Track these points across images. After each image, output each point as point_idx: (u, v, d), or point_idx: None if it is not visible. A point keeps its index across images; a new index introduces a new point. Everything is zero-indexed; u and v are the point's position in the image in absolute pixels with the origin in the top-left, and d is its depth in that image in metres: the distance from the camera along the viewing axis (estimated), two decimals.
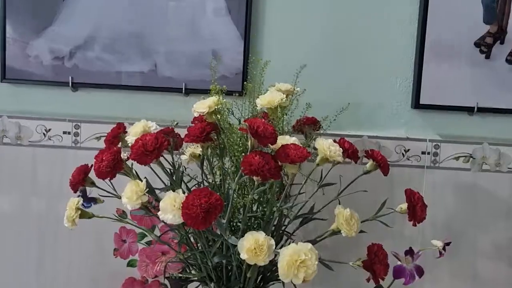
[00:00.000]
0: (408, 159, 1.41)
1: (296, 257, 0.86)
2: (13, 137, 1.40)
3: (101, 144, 1.07)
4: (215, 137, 1.03)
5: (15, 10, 1.35)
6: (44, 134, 1.40)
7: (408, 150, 1.41)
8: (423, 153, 1.42)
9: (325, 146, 0.97)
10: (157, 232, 1.26)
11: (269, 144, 0.92)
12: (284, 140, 0.95)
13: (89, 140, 1.39)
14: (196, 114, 1.02)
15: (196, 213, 0.84)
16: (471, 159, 1.42)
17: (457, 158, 1.42)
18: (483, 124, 1.42)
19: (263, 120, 0.93)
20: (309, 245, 0.88)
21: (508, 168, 1.42)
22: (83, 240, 1.40)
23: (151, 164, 0.97)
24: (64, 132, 1.40)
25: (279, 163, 0.91)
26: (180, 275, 1.38)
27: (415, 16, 1.38)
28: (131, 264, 1.41)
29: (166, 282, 1.43)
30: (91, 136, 1.39)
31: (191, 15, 1.36)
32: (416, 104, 1.38)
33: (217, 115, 1.00)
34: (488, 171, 1.42)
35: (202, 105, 1.00)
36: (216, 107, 1.00)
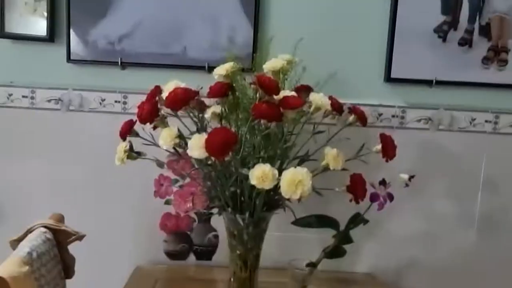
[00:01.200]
0: (381, 122, 1.39)
1: (295, 177, 0.84)
2: (77, 105, 1.39)
3: None
4: (231, 96, 1.00)
5: (77, 5, 1.33)
6: (100, 103, 1.39)
7: (381, 114, 1.39)
8: (392, 116, 1.39)
9: (318, 98, 0.95)
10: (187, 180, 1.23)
11: (273, 95, 0.89)
12: (285, 93, 0.92)
13: (134, 107, 1.34)
14: (216, 77, 1.00)
15: (217, 145, 0.82)
16: (430, 121, 1.39)
17: (419, 121, 1.39)
18: (439, 94, 1.39)
19: (269, 76, 0.90)
20: (305, 168, 0.86)
21: (458, 128, 1.40)
22: (132, 185, 1.39)
23: (181, 118, 0.95)
24: (116, 101, 1.38)
25: (281, 109, 0.89)
26: (204, 210, 1.37)
27: (388, 7, 1.34)
28: (167, 202, 1.40)
29: (194, 216, 1.43)
30: (136, 104, 1.35)
31: (213, 9, 1.33)
32: (388, 78, 1.35)
33: (232, 76, 0.98)
34: (443, 130, 1.40)
35: (221, 69, 0.98)
36: (232, 70, 0.97)
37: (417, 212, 1.41)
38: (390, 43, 1.33)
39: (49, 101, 1.38)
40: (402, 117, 1.39)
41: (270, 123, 0.88)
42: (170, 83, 0.99)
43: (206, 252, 1.44)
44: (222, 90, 0.94)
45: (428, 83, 1.36)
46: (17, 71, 1.38)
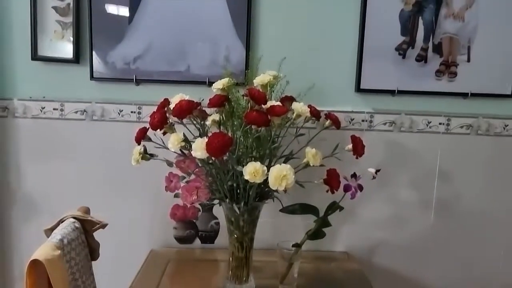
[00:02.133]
0: (353, 125, 1.40)
1: (280, 172, 0.85)
2: (99, 115, 1.39)
3: None
4: (227, 105, 1.01)
5: (98, 31, 1.33)
6: (118, 113, 1.39)
7: (353, 119, 1.40)
8: (362, 121, 1.40)
9: (299, 106, 0.96)
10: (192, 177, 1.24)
11: (262, 105, 0.90)
12: (272, 103, 0.93)
13: (147, 116, 1.36)
14: (215, 90, 1.01)
15: (215, 147, 0.83)
16: (393, 124, 1.40)
17: (384, 124, 1.40)
18: (401, 101, 1.40)
19: (258, 89, 0.91)
20: (288, 165, 0.87)
21: (417, 129, 1.41)
22: (146, 182, 1.39)
23: (186, 125, 0.96)
24: (132, 112, 1.39)
25: (269, 116, 0.90)
26: (207, 202, 1.37)
27: (357, 30, 1.35)
28: (176, 195, 1.40)
29: (199, 206, 1.43)
30: (149, 114, 1.36)
31: (211, 34, 1.34)
32: (358, 88, 1.36)
33: (228, 90, 0.99)
34: (404, 132, 1.41)
35: (219, 84, 0.98)
36: (228, 85, 0.98)
37: (384, 200, 1.42)
38: (359, 60, 1.34)
39: (75, 112, 1.39)
40: (371, 121, 1.40)
41: (259, 128, 0.89)
42: (176, 96, 1.00)
43: (209, 237, 1.45)
44: (220, 101, 0.95)
45: (391, 92, 1.37)
46: (48, 88, 1.38)
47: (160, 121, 0.92)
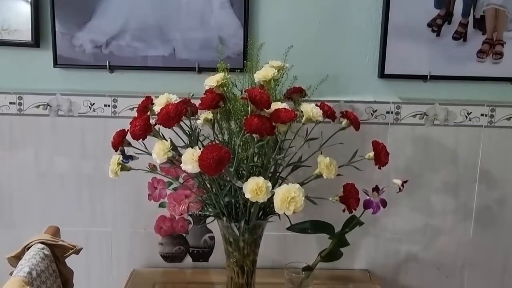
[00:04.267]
0: (376, 118, 1.42)
1: (287, 194, 0.89)
2: (66, 110, 1.42)
3: (135, 114, 1.09)
4: (223, 105, 1.04)
5: (62, 9, 1.34)
6: (89, 107, 1.42)
7: (376, 110, 1.42)
8: (387, 112, 1.42)
9: (309, 108, 0.98)
10: (180, 180, 1.28)
11: (265, 109, 0.93)
12: (276, 105, 0.96)
13: (125, 110, 1.41)
14: (207, 87, 1.03)
15: (210, 163, 0.86)
16: (425, 116, 1.43)
17: (414, 116, 1.43)
18: (434, 89, 1.42)
19: (259, 89, 0.94)
20: (297, 185, 0.90)
21: (454, 122, 1.44)
22: (124, 189, 1.43)
23: (173, 127, 0.99)
24: (105, 105, 1.41)
25: (273, 123, 0.93)
26: (199, 212, 1.41)
27: (380, 3, 1.36)
28: (162, 205, 1.44)
29: (189, 218, 1.48)
30: (126, 108, 1.41)
31: (200, 8, 1.35)
32: (382, 74, 1.38)
33: (223, 87, 1.01)
34: (438, 126, 1.44)
35: (212, 80, 1.01)
36: (223, 81, 1.01)
37: (413, 208, 1.46)
38: (383, 39, 1.36)
39: (37, 107, 1.42)
40: (397, 113, 1.43)
41: (262, 137, 0.92)
42: (161, 97, 1.02)
43: (203, 254, 1.50)
44: (214, 102, 0.98)
45: (422, 78, 1.39)
46: (3, 78, 1.41)
47: (143, 129, 0.95)
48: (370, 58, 1.39)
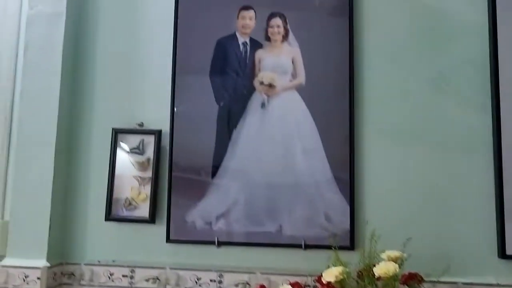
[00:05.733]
0: None
1: None
2: (173, 284, 1.43)
3: None
4: None
5: (178, 189, 1.44)
6: (195, 281, 1.42)
7: None
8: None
9: None
10: None
11: None
12: None
13: (230, 286, 1.39)
14: (325, 282, 0.99)
15: None
16: None
17: None
18: None
19: None
20: None
21: None
22: None
23: None
24: (211, 280, 1.41)
25: None
26: None
27: (492, 185, 1.31)
28: None
29: None
30: (231, 283, 1.39)
31: (308, 187, 1.38)
32: (503, 254, 1.27)
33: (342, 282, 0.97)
34: None
35: (330, 275, 0.98)
36: (342, 276, 0.96)
37: None
38: (500, 218, 1.27)
39: (147, 280, 1.44)
40: None
41: None
42: None
43: None
44: None
45: None
46: (120, 251, 1.47)
47: None
48: (487, 235, 1.30)
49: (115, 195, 1.46)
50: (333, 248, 1.26)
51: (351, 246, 1.32)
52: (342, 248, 1.29)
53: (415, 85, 1.39)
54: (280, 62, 1.44)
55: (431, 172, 1.35)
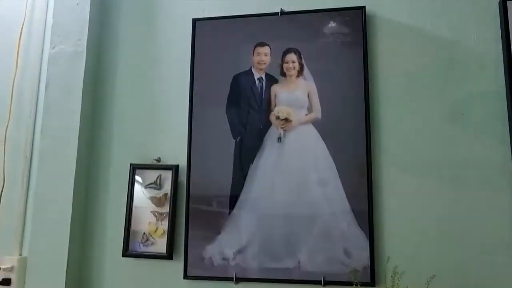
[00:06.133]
0: None
1: None
2: None
3: None
4: None
5: (195, 225, 1.43)
6: None
7: None
8: None
9: None
10: None
11: None
12: None
13: None
14: None
15: None
16: None
17: None
18: None
19: None
20: None
21: None
22: None
23: None
24: None
25: None
26: None
27: None
28: None
29: None
30: None
31: (327, 225, 1.36)
32: None
33: None
34: None
35: None
36: None
37: None
38: None
39: None
40: None
41: None
42: None
43: None
44: None
45: None
46: (137, 287, 1.45)
47: None
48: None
49: (132, 230, 1.46)
50: (354, 285, 1.24)
51: (372, 282, 1.29)
52: (363, 284, 1.27)
53: (432, 117, 1.37)
54: (296, 96, 1.44)
55: (450, 205, 1.32)
